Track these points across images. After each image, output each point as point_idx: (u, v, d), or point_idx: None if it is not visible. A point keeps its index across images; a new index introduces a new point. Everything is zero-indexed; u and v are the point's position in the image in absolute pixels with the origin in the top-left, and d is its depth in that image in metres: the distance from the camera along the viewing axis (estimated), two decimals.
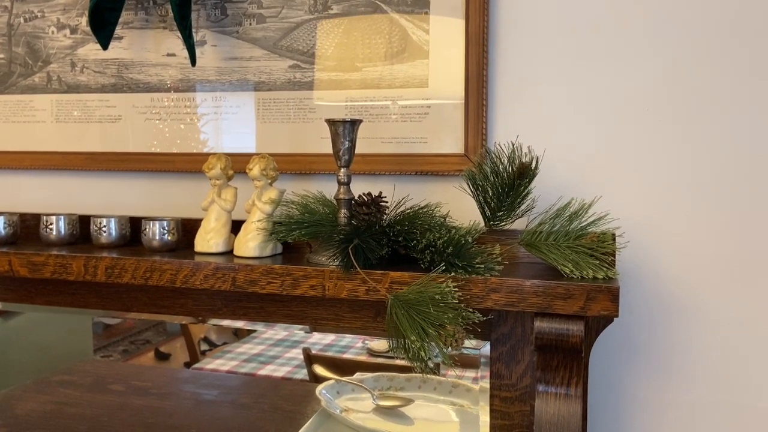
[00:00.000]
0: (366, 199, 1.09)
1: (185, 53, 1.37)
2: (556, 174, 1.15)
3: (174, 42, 1.38)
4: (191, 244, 1.23)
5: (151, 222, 1.19)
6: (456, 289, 0.90)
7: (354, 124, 1.07)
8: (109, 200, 1.45)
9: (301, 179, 1.32)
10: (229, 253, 1.18)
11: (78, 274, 1.15)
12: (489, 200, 1.02)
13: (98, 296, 1.32)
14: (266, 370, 2.13)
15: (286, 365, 2.22)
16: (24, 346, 1.73)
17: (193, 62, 1.29)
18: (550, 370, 0.95)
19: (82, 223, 1.30)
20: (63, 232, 1.26)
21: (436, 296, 0.88)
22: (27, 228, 1.37)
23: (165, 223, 1.19)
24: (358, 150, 1.26)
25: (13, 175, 1.52)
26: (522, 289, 0.91)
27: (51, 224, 1.25)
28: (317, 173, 1.30)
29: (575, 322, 0.90)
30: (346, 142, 1.07)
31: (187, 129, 1.39)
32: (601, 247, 0.94)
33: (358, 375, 1.60)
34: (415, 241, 0.97)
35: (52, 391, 1.76)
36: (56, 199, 1.48)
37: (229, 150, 1.37)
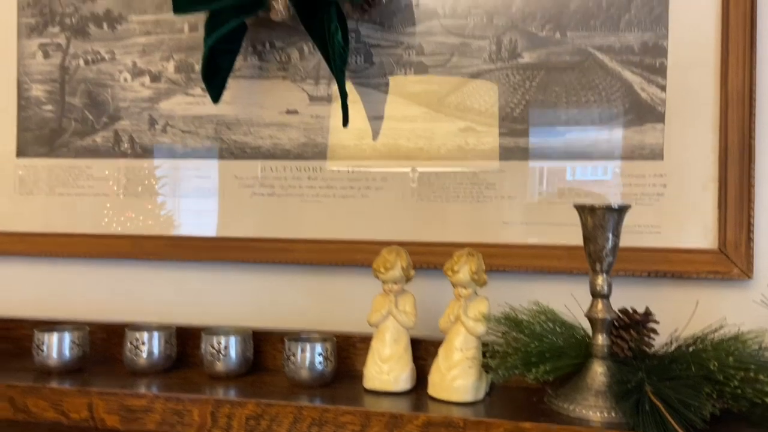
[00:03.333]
0: (631, 320, 0.76)
1: (311, 110, 1.05)
2: None
3: (297, 96, 1.06)
4: (340, 374, 0.88)
5: (299, 344, 0.83)
6: None
7: (622, 212, 0.76)
8: (197, 302, 1.08)
9: None
10: (413, 391, 0.83)
11: (202, 426, 0.77)
12: None
13: None
14: None
15: None
16: None
17: (346, 122, 0.97)
18: None
19: (179, 340, 0.94)
20: (157, 353, 0.89)
21: None
22: (94, 345, 0.99)
23: (319, 347, 0.83)
24: (545, 239, 0.96)
25: (61, 265, 1.13)
26: None
27: (142, 343, 0.88)
28: (500, 271, 0.97)
29: None
30: (611, 238, 0.75)
31: (310, 207, 1.05)
32: None
33: None
34: None
35: None
36: (120, 300, 1.10)
37: (370, 237, 1.03)
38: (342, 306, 1.03)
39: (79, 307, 1.11)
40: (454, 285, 0.82)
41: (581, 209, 0.76)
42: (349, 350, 0.92)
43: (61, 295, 1.13)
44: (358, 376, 0.90)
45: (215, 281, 1.08)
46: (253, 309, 1.06)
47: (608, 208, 0.74)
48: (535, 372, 0.74)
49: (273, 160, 1.07)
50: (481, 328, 0.79)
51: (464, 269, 0.80)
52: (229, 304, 1.07)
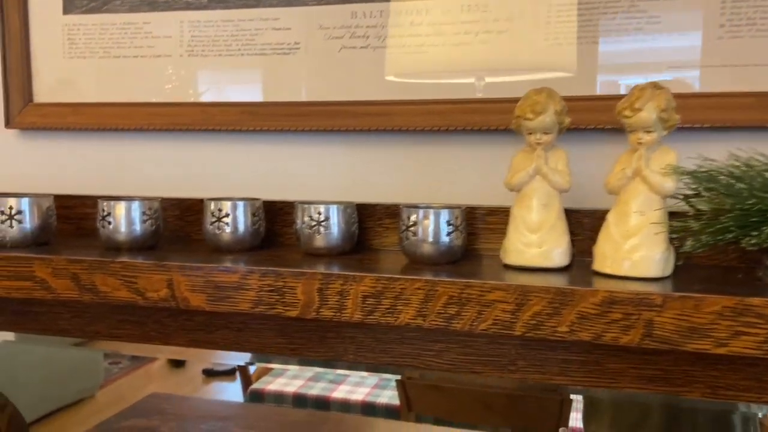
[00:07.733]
0: None
1: None
2: None
3: None
4: (466, 253, 0.71)
5: (420, 212, 0.66)
6: None
7: None
8: (279, 178, 0.92)
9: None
10: (570, 269, 0.65)
11: (307, 305, 0.62)
12: None
13: (283, 334, 0.79)
14: (341, 392, 1.55)
15: (362, 385, 1.64)
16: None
17: None
18: None
19: (266, 216, 0.78)
20: (243, 227, 0.73)
21: None
22: (167, 223, 0.84)
23: (447, 214, 0.66)
24: (727, 86, 0.75)
25: (120, 139, 0.98)
26: None
27: (225, 215, 0.72)
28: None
29: None
30: None
31: (414, 60, 0.86)
32: None
33: None
34: None
35: None
36: (189, 177, 0.95)
37: (492, 94, 0.83)
38: (455, 179, 0.84)
39: (142, 185, 0.96)
40: (631, 130, 0.61)
41: None
42: (475, 224, 0.74)
43: (121, 172, 0.97)
44: (489, 255, 0.73)
45: (299, 154, 0.91)
46: (346, 184, 0.89)
47: None
48: (757, 236, 0.54)
49: (366, 3, 0.87)
50: (670, 183, 0.60)
51: (649, 106, 0.59)
52: (317, 178, 0.90)
